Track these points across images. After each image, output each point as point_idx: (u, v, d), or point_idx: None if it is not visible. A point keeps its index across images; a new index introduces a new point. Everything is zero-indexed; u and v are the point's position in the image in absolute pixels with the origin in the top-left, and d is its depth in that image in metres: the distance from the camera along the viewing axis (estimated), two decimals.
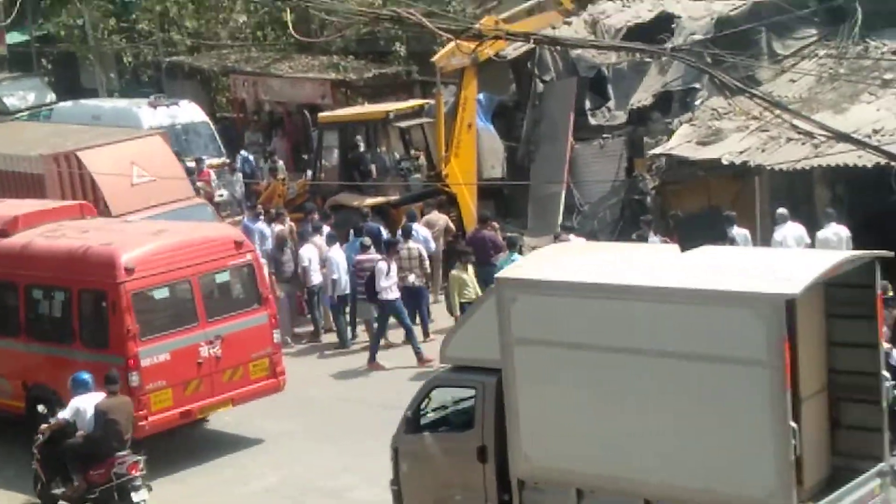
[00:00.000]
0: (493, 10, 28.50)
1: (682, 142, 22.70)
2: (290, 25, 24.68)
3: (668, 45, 18.18)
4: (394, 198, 24.08)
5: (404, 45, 31.35)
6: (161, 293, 16.81)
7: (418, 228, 22.02)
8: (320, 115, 26.80)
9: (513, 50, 25.71)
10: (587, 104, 25.48)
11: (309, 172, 26.20)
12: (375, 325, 20.75)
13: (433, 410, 13.91)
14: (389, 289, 20.18)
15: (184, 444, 17.39)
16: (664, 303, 12.01)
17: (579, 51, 25.53)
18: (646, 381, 12.10)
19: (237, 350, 17.20)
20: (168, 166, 23.34)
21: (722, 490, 11.74)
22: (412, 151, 25.82)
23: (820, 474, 12.40)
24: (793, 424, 11.40)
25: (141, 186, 22.56)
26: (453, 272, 20.51)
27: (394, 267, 20.28)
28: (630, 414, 12.23)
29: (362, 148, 25.08)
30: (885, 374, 12.54)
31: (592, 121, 25.34)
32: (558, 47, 25.17)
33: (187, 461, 17.08)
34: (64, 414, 15.37)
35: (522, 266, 13.90)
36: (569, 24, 26.08)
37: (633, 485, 12.19)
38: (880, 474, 12.41)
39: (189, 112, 30.01)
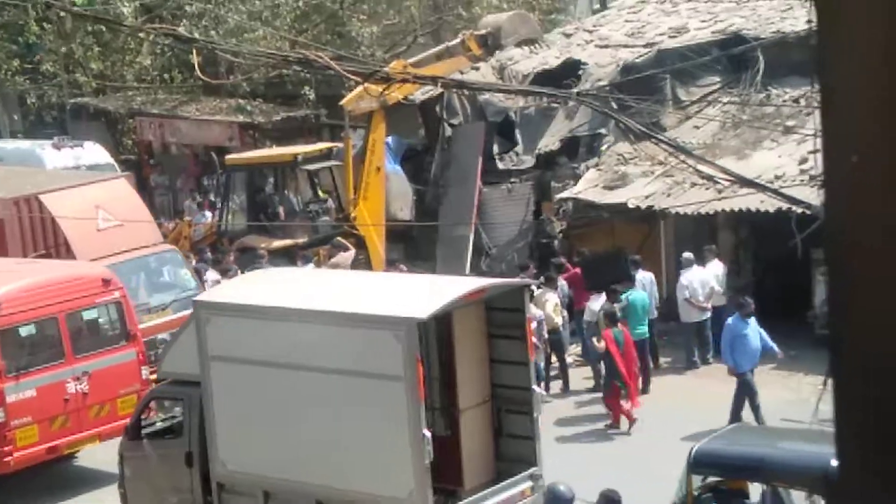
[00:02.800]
0: (402, 55, 28.66)
1: (588, 186, 22.93)
2: (198, 67, 24.52)
3: (575, 91, 18.36)
4: (302, 240, 23.99)
5: (313, 88, 31.33)
6: (27, 330, 16.96)
7: None
8: (228, 157, 26.66)
9: (421, 94, 25.83)
10: (495, 148, 25.65)
11: (213, 214, 26.01)
12: None
13: (161, 420, 15.77)
14: None
15: (50, 481, 17.39)
16: (319, 324, 13.53)
17: (487, 95, 25.72)
18: (309, 394, 13.54)
19: (105, 386, 17.38)
20: (134, 211, 21.85)
21: (375, 492, 13.15)
22: (320, 194, 25.78)
23: (485, 477, 14.00)
24: (426, 433, 12.69)
25: (107, 231, 21.06)
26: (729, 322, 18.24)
27: None
28: (299, 424, 13.62)
29: (270, 190, 24.96)
30: (536, 388, 14.18)
31: (500, 165, 25.50)
32: (466, 91, 25.30)
33: (51, 498, 17.15)
34: None
35: (220, 289, 15.15)
36: (477, 69, 26.27)
37: (305, 487, 13.60)
38: (532, 477, 13.84)
39: (94, 154, 29.63)
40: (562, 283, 20.94)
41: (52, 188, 21.87)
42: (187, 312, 17.35)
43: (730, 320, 17.64)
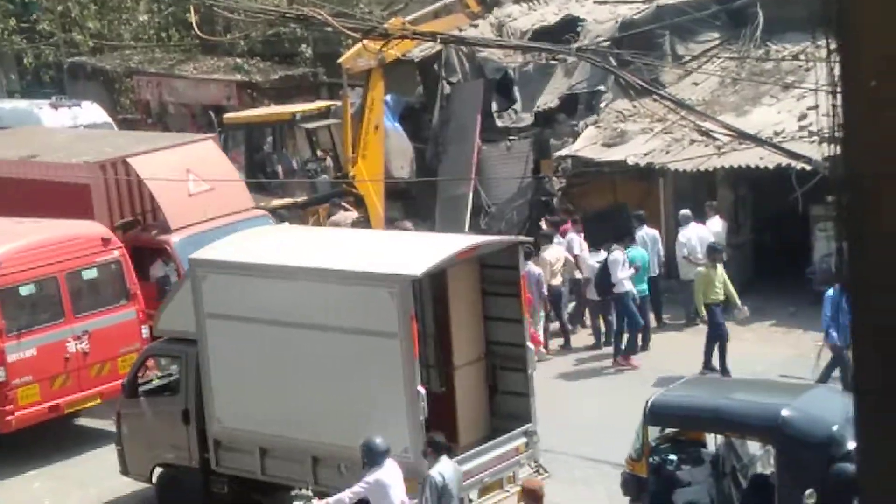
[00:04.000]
0: (400, 13, 28.51)
1: (587, 143, 22.89)
2: (195, 25, 24.42)
3: (574, 46, 18.29)
4: (301, 199, 23.95)
5: (310, 46, 31.21)
6: (27, 289, 17.01)
7: None
8: (226, 115, 26.58)
9: (419, 51, 25.73)
10: (494, 106, 25.57)
11: None
12: None
13: (158, 378, 15.86)
14: None
15: (52, 440, 17.50)
16: (314, 281, 13.55)
17: (485, 53, 25.63)
18: (305, 352, 13.59)
19: (105, 345, 17.47)
20: (224, 174, 20.36)
21: None
22: (319, 153, 25.72)
23: (478, 434, 14.08)
24: (420, 390, 12.82)
25: (199, 196, 19.60)
26: (701, 269, 18.81)
27: None
28: (295, 382, 13.73)
29: (269, 149, 24.90)
30: (530, 345, 14.21)
31: (499, 122, 25.44)
32: (465, 49, 25.23)
33: (53, 456, 17.27)
34: None
35: (216, 247, 15.03)
36: (475, 26, 26.16)
37: (301, 444, 13.71)
38: (525, 434, 13.92)
39: (91, 113, 29.52)
40: (571, 236, 20.91)
41: (139, 151, 20.35)
42: None
43: (831, 292, 16.71)
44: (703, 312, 18.32)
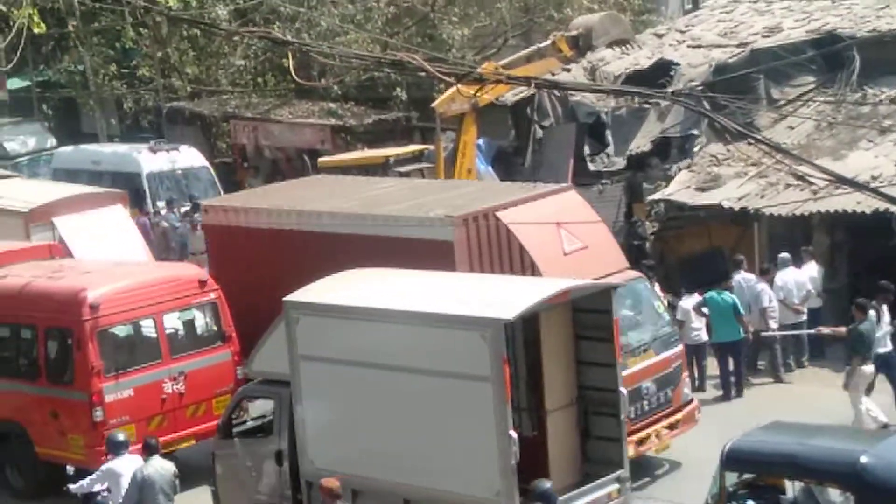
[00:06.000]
0: (493, 58, 28.71)
1: (680, 187, 22.77)
2: (291, 71, 24.76)
3: (669, 90, 18.24)
4: None
5: (404, 90, 31.51)
6: (125, 330, 17.19)
7: None
8: (321, 159, 26.91)
9: (512, 95, 25.86)
10: (586, 150, 25.57)
11: None
12: None
13: (252, 419, 15.98)
14: None
15: None
16: (407, 324, 13.63)
17: (578, 96, 25.67)
18: (397, 394, 13.62)
19: (200, 386, 17.53)
20: (594, 229, 17.71)
21: (462, 491, 13.22)
22: None
23: (570, 479, 13.97)
24: (512, 434, 12.79)
25: (574, 255, 17.01)
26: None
27: None
28: (388, 424, 13.76)
29: None
30: (622, 390, 14.07)
31: (591, 166, 25.42)
32: (558, 92, 25.29)
33: None
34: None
35: (310, 290, 14.99)
36: (568, 70, 26.25)
37: (393, 486, 13.71)
38: (618, 480, 13.90)
39: (189, 157, 30.05)
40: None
41: (505, 203, 17.58)
42: (671, 353, 16.57)
43: None
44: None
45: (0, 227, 22.22)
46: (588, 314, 14.22)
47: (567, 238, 17.11)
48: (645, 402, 16.06)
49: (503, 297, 13.79)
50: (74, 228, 22.31)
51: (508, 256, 17.03)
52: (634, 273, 17.42)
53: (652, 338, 16.55)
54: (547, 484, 12.40)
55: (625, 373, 14.76)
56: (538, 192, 18.14)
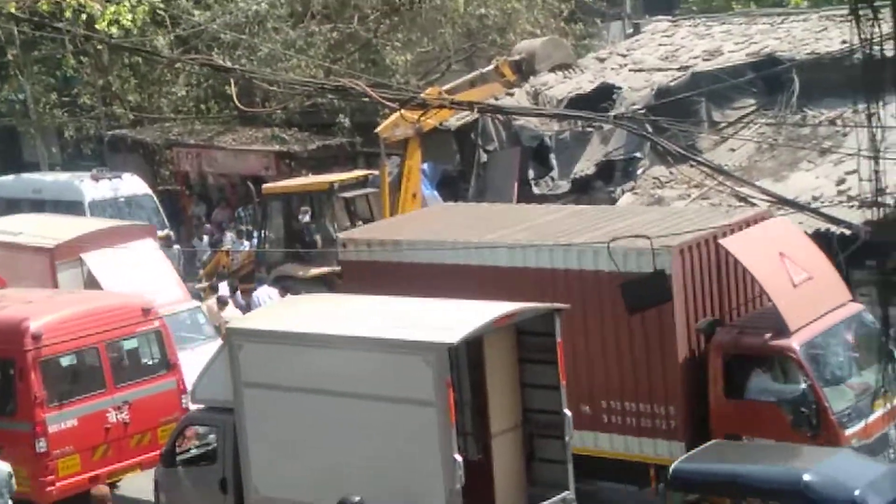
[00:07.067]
0: (437, 83, 28.75)
1: None
2: (234, 97, 24.69)
3: (612, 114, 18.33)
4: (339, 268, 24.03)
5: (348, 116, 31.48)
6: (69, 360, 17.15)
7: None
8: (265, 185, 26.81)
9: (456, 120, 25.90)
10: (531, 174, 25.62)
11: (252, 242, 26.13)
12: None
13: (195, 447, 16.08)
14: None
15: None
16: (350, 349, 13.61)
17: (522, 121, 25.74)
18: (342, 420, 13.67)
19: (145, 415, 17.51)
20: (811, 257, 16.03)
21: None
22: (357, 222, 25.85)
23: (517, 502, 14.13)
24: (457, 458, 12.83)
25: (803, 287, 15.32)
26: None
27: None
28: (332, 450, 13.76)
29: (307, 218, 25.05)
30: (567, 412, 14.04)
31: (536, 190, 25.46)
32: (501, 117, 25.36)
33: None
34: None
35: (253, 316, 15.22)
36: (511, 95, 26.34)
37: None
38: (563, 501, 13.94)
39: (131, 185, 29.88)
40: None
41: (721, 226, 15.94)
42: None
43: None
44: None
45: (24, 265, 21.12)
46: (532, 336, 14.25)
47: (792, 267, 15.37)
48: (891, 451, 14.25)
49: (447, 320, 13.81)
50: (104, 264, 21.12)
51: (727, 290, 15.63)
52: (859, 306, 15.83)
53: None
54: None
55: (870, 419, 13.46)
56: (744, 218, 16.38)
